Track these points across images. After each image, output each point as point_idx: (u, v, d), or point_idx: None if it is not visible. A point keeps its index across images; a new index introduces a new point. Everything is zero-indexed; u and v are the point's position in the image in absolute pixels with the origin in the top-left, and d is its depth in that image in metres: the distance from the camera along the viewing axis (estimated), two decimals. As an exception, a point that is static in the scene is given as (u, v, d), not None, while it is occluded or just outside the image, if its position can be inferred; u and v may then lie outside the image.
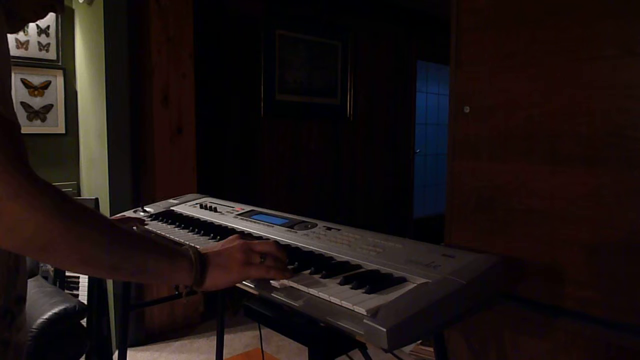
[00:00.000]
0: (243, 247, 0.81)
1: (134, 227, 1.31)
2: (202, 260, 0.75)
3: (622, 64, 1.15)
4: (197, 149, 2.88)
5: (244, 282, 0.84)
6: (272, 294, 0.81)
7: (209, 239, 1.12)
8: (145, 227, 1.31)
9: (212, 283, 0.76)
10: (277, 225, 1.20)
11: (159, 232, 1.24)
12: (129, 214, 1.51)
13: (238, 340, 2.72)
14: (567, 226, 1.25)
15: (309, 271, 0.86)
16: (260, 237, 1.12)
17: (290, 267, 0.88)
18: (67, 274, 2.34)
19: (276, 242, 0.87)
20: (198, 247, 0.80)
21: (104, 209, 2.56)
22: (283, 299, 0.79)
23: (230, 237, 0.86)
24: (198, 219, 1.35)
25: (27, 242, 0.58)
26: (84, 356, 1.78)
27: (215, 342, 1.92)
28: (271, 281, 0.83)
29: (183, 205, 1.56)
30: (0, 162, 0.56)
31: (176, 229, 1.25)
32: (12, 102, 0.63)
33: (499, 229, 1.39)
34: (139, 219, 1.38)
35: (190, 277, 0.74)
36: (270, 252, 0.83)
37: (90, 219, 0.64)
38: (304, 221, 1.20)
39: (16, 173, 0.57)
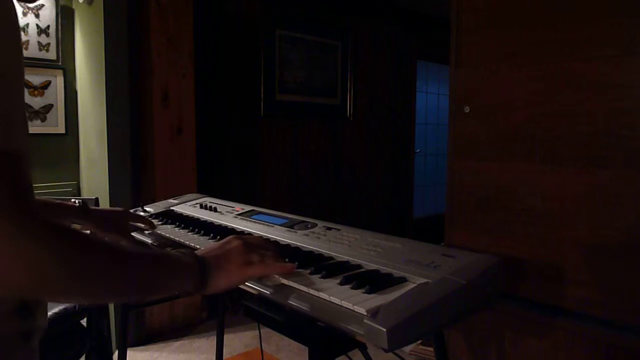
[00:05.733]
0: (241, 248, 0.81)
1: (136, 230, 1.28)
2: (202, 267, 0.75)
3: (621, 64, 1.15)
4: (197, 149, 2.88)
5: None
6: (272, 294, 0.80)
7: (209, 239, 1.12)
8: (155, 230, 1.25)
9: (214, 288, 0.76)
10: (277, 225, 1.20)
11: (159, 232, 1.24)
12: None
13: (238, 340, 2.72)
14: (567, 226, 1.25)
15: (308, 271, 0.86)
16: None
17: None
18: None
19: (262, 238, 0.89)
20: (198, 246, 0.79)
21: (104, 209, 2.56)
22: (283, 298, 0.79)
23: (228, 238, 0.85)
24: (198, 219, 1.35)
25: (18, 287, 0.54)
26: (84, 356, 1.77)
27: (215, 342, 1.92)
28: (274, 277, 0.83)
29: (183, 205, 1.56)
30: None
31: (176, 229, 1.25)
32: (21, 125, 0.57)
33: (499, 229, 1.39)
34: (149, 220, 1.30)
35: (192, 285, 0.74)
36: (263, 248, 0.85)
37: (90, 255, 0.60)
38: (304, 221, 1.20)
39: (14, 215, 0.52)
